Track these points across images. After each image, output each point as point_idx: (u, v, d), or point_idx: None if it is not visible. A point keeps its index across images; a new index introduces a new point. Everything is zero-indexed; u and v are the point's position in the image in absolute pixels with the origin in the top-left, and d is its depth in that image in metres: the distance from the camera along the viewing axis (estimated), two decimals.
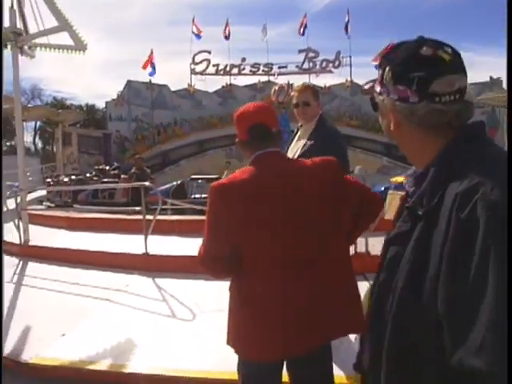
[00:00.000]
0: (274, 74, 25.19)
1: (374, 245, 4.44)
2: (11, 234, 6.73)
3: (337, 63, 24.90)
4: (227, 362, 2.50)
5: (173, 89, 25.22)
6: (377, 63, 1.08)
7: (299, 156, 2.66)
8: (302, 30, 26.32)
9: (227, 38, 26.17)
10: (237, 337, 1.69)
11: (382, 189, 7.37)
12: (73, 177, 14.72)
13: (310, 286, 1.58)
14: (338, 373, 2.37)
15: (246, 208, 1.56)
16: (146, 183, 6.81)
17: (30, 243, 6.70)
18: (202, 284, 4.21)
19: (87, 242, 6.32)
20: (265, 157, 1.66)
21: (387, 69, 0.94)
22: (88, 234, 6.97)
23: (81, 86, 69.07)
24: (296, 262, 1.58)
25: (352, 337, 2.49)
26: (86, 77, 67.44)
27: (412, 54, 0.90)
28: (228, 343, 1.72)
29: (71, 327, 3.70)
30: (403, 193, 1.07)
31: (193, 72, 25.10)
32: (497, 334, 0.69)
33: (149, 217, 5.73)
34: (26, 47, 7.16)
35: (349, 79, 24.75)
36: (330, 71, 25.15)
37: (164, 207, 6.61)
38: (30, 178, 13.02)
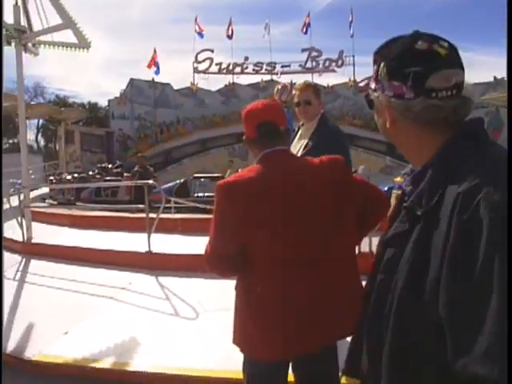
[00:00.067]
0: (276, 73, 25.21)
1: None
2: (14, 232, 6.74)
3: (340, 62, 24.91)
4: (230, 360, 2.50)
5: (175, 87, 25.27)
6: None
7: (301, 156, 2.64)
8: (305, 28, 26.32)
9: (230, 37, 26.21)
10: (242, 336, 1.69)
11: (386, 188, 7.34)
12: (75, 175, 14.76)
13: (310, 285, 1.57)
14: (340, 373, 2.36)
15: (251, 207, 1.55)
16: (150, 181, 6.81)
17: (33, 241, 6.71)
18: (205, 282, 4.20)
19: (90, 239, 6.33)
20: (272, 155, 1.65)
21: (382, 65, 0.92)
22: (91, 231, 6.97)
23: (83, 84, 69.18)
24: (298, 260, 1.57)
25: None
26: (88, 75, 67.68)
27: (407, 49, 0.88)
28: (233, 342, 1.72)
29: (74, 325, 3.70)
30: None
31: (196, 71, 25.16)
32: (503, 341, 0.67)
33: (152, 215, 5.72)
34: (29, 45, 7.16)
35: (352, 78, 24.75)
36: (333, 70, 25.16)
37: (167, 205, 6.60)
38: (33, 176, 13.04)
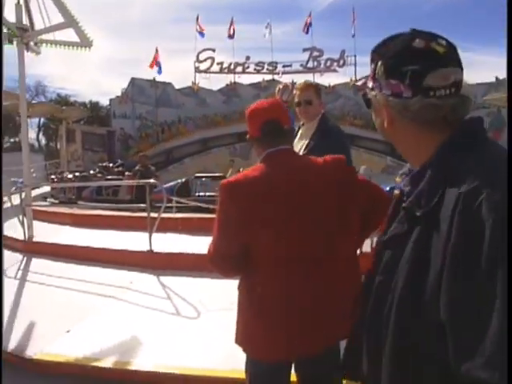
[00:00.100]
0: (278, 73, 25.17)
1: None
2: (15, 230, 6.74)
3: (341, 62, 24.87)
4: (232, 360, 2.50)
5: (177, 87, 25.26)
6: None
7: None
8: (306, 28, 26.30)
9: (231, 36, 26.19)
10: (244, 336, 1.69)
11: (388, 189, 7.31)
12: (77, 174, 14.77)
13: (314, 285, 1.56)
14: None
15: (254, 206, 1.54)
16: (151, 180, 6.81)
17: (34, 239, 6.72)
18: (207, 282, 4.20)
19: (91, 238, 6.33)
20: (276, 154, 1.64)
21: (379, 63, 0.91)
22: (92, 230, 6.97)
23: (84, 83, 69.36)
24: (302, 259, 1.56)
25: None
26: (89, 74, 67.77)
27: (404, 47, 0.87)
28: (236, 342, 1.71)
29: (75, 324, 3.70)
30: None
31: (197, 70, 25.15)
32: (503, 347, 0.67)
33: (153, 214, 5.73)
34: (31, 43, 7.17)
35: (353, 78, 24.70)
36: (335, 70, 25.12)
37: (168, 205, 6.60)
38: (34, 175, 13.05)
